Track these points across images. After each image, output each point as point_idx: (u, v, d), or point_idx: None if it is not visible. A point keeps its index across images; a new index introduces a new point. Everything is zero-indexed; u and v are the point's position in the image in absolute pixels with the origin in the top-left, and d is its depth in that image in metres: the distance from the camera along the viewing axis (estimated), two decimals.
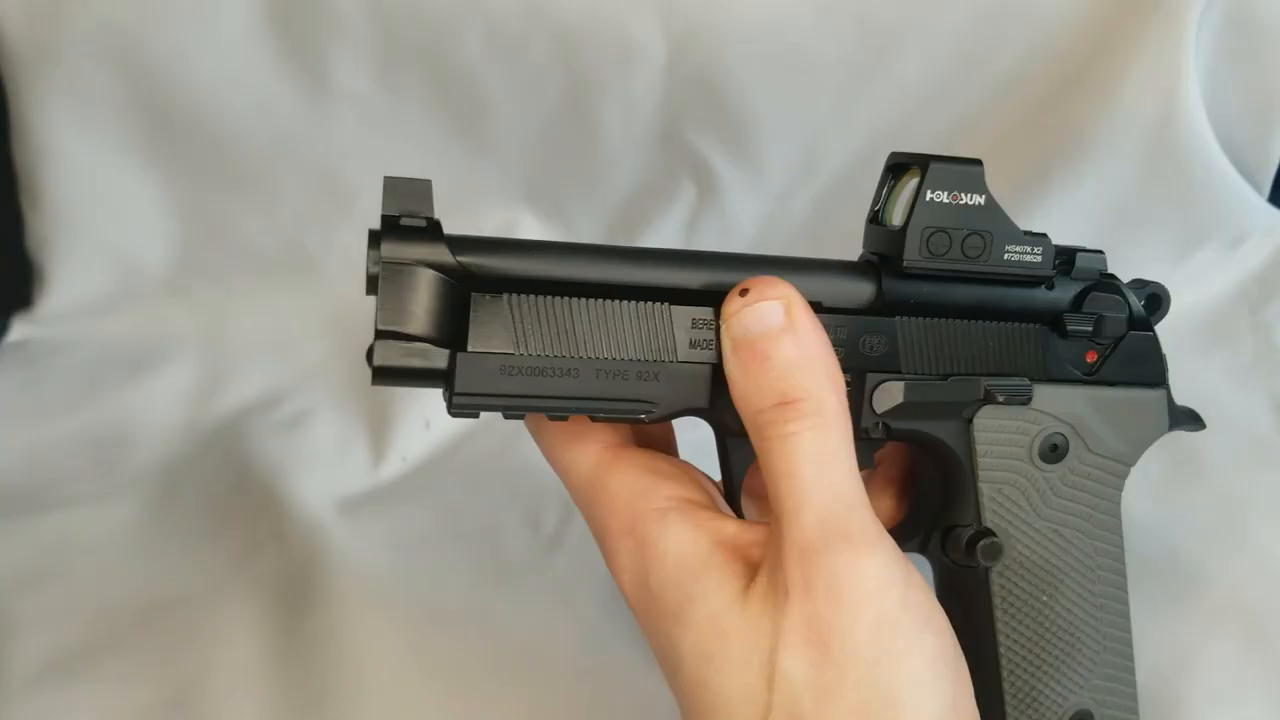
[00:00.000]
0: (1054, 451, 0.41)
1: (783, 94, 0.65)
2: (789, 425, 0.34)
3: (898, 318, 0.39)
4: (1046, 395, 0.40)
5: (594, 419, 0.37)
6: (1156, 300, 0.45)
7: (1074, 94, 0.63)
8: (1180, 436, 0.62)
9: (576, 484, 0.39)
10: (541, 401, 0.37)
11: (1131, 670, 0.43)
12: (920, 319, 0.39)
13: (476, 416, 0.38)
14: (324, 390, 0.70)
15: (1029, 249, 0.39)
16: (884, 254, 0.40)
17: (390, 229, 0.37)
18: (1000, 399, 0.39)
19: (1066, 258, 0.42)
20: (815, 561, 0.32)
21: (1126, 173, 0.64)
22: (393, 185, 0.38)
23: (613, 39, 0.65)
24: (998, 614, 0.41)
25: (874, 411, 0.39)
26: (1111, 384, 0.42)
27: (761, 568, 0.34)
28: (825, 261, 0.40)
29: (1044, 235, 0.40)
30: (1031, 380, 0.40)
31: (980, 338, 0.40)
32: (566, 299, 0.37)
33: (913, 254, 0.38)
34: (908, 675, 0.32)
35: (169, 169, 0.72)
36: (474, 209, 0.72)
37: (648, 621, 0.36)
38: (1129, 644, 0.43)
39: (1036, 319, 0.40)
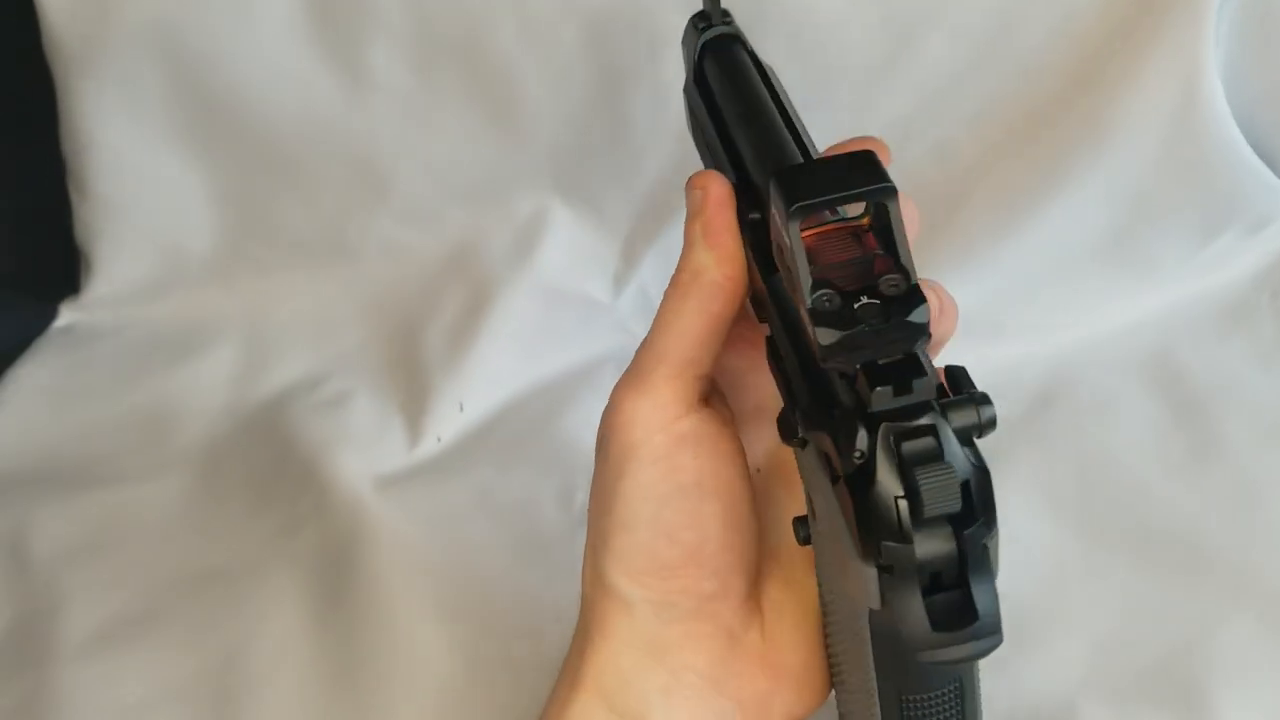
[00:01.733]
0: (811, 509, 0.37)
1: (806, 81, 0.66)
2: (668, 288, 0.39)
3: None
4: (807, 455, 0.35)
5: None
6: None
7: (1094, 80, 0.64)
8: (1203, 416, 0.63)
9: None
10: None
11: None
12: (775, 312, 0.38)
13: None
14: (362, 373, 0.71)
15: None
16: None
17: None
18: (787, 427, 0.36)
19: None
20: (612, 394, 0.39)
21: (1147, 159, 0.65)
22: None
23: (641, 28, 0.66)
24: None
25: None
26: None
27: None
28: None
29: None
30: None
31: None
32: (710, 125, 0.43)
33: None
34: (621, 491, 0.38)
35: (211, 159, 0.74)
36: (505, 197, 0.74)
37: None
38: None
39: None
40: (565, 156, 0.72)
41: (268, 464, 0.66)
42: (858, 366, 0.31)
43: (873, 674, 0.36)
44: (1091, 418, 0.64)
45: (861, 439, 0.31)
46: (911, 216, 0.37)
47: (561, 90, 0.69)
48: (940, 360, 0.38)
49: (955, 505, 0.30)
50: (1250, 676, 0.52)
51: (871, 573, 0.31)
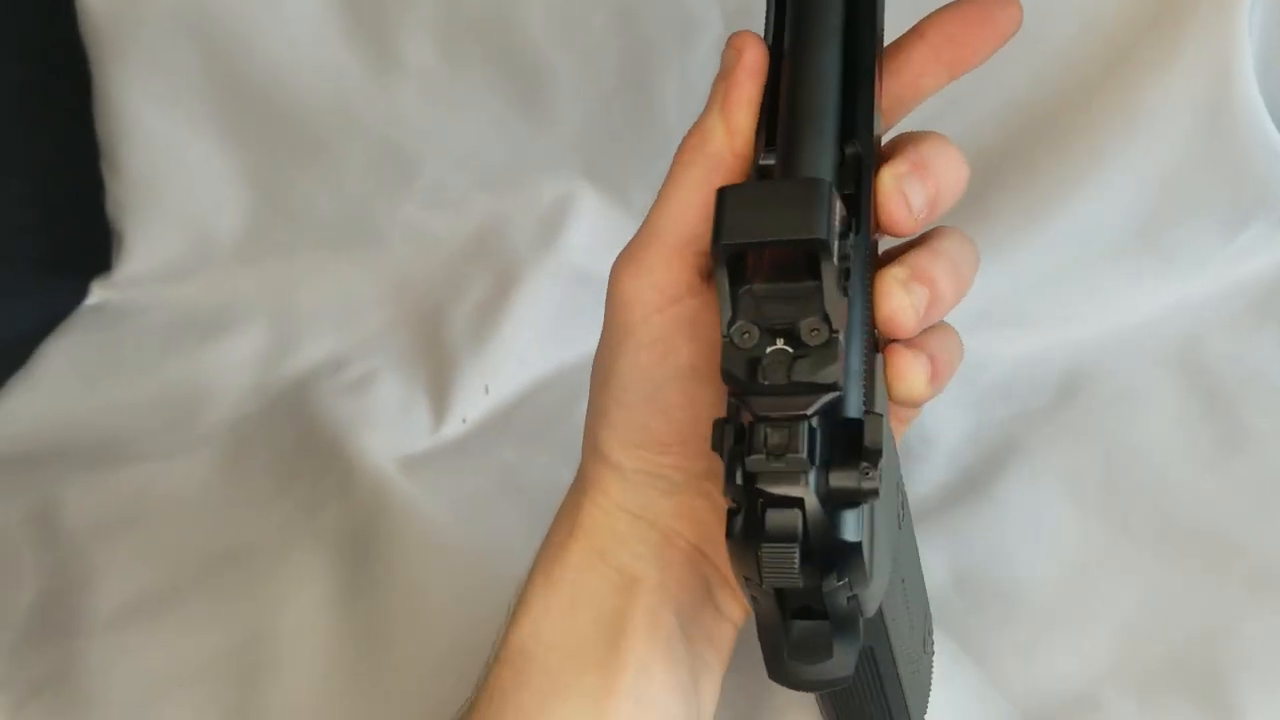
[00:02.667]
0: None
1: None
2: (677, 150, 0.38)
3: None
4: None
5: None
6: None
7: (1125, 70, 0.63)
8: (1229, 407, 0.63)
9: None
10: None
11: None
12: None
13: None
14: (387, 355, 0.71)
15: None
16: None
17: None
18: None
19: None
20: (612, 268, 0.39)
21: (1177, 149, 0.64)
22: None
23: (671, 12, 0.66)
24: None
25: None
26: None
27: None
28: None
29: None
30: None
31: None
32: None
33: None
34: (618, 369, 0.38)
35: (241, 141, 0.75)
36: (533, 181, 0.74)
37: None
38: None
39: None
40: (592, 141, 0.72)
41: (293, 443, 0.67)
42: (752, 415, 0.31)
43: None
44: (1117, 408, 0.64)
45: (736, 488, 0.31)
46: (954, 155, 0.38)
47: (589, 75, 0.70)
48: (965, 342, 0.38)
49: (796, 583, 0.31)
50: (1274, 667, 0.51)
51: (746, 591, 0.33)
